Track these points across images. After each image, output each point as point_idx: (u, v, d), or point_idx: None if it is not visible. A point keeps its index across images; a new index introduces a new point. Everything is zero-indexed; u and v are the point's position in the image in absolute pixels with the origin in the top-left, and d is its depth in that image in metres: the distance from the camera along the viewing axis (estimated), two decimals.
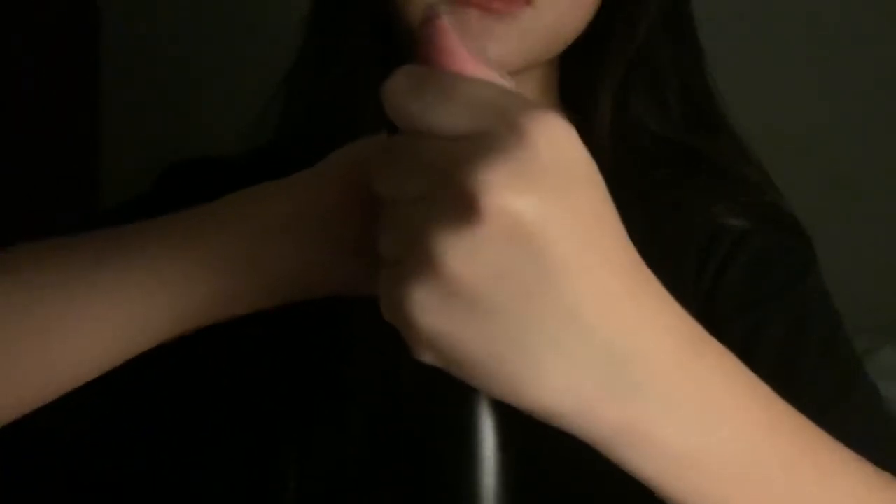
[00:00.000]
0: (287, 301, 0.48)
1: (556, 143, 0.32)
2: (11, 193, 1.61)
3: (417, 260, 0.32)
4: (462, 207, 0.30)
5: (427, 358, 0.34)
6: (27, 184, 1.64)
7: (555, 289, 0.32)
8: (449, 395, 0.38)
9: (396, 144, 0.34)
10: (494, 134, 0.32)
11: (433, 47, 0.34)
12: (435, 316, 0.32)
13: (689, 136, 0.65)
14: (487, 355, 0.33)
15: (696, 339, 0.37)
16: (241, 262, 0.45)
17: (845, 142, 1.71)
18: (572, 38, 0.61)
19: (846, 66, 1.71)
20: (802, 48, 1.71)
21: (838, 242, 1.58)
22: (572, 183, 0.33)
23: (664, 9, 0.65)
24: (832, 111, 1.72)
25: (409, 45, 0.64)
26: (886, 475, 0.43)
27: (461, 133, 0.32)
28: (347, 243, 0.46)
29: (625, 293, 0.34)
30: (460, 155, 0.31)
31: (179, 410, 0.64)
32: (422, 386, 0.39)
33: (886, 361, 1.50)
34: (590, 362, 0.33)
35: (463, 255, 0.31)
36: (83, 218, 0.67)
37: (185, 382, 0.63)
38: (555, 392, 0.33)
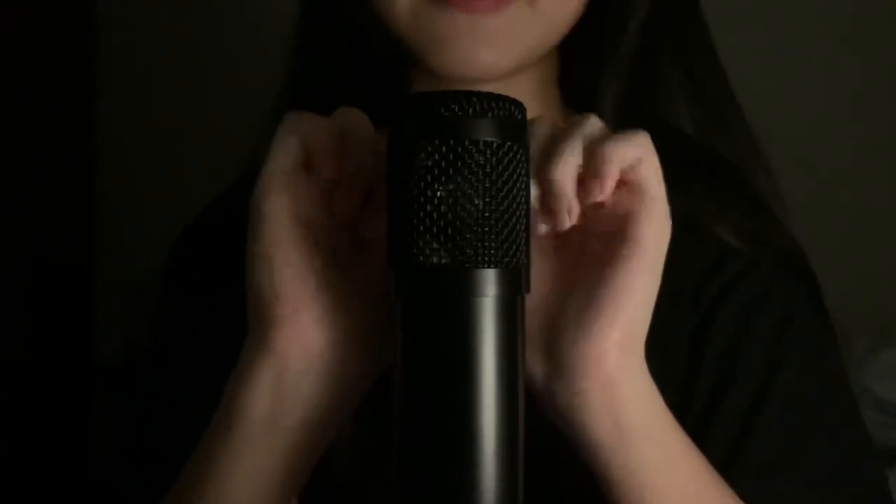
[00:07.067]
0: (376, 376, 0.48)
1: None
2: (10, 195, 1.61)
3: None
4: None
5: None
6: (25, 184, 1.64)
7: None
8: (446, 394, 0.38)
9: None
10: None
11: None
12: None
13: (703, 136, 0.63)
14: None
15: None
16: (302, 438, 0.46)
17: (846, 142, 1.71)
18: (565, 30, 0.58)
19: (846, 64, 1.72)
20: (802, 47, 1.71)
21: (840, 243, 1.59)
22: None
23: (663, 1, 0.62)
24: (833, 110, 1.72)
25: (387, 52, 0.61)
26: None
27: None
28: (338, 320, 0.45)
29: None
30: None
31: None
32: (417, 385, 0.38)
33: (888, 361, 1.50)
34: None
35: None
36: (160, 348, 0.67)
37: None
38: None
